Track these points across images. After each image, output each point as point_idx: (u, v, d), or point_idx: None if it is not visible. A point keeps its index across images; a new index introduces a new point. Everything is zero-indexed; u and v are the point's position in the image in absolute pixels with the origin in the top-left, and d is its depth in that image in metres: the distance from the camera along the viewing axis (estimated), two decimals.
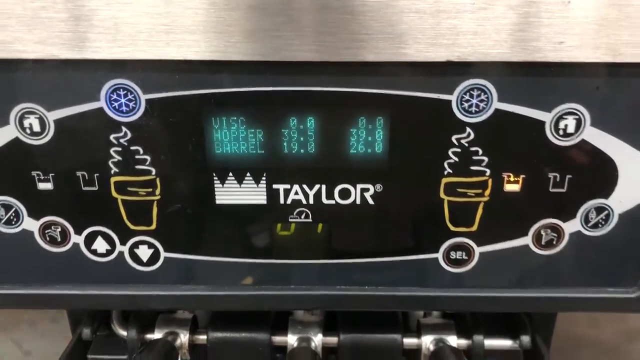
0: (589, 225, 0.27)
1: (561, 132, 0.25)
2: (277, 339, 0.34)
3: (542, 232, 0.27)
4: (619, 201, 0.26)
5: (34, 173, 0.27)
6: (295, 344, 0.34)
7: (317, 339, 0.34)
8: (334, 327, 0.35)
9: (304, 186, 0.27)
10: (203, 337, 0.35)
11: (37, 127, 0.26)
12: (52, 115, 0.25)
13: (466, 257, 0.28)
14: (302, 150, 0.26)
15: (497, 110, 0.25)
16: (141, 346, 0.34)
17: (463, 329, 0.34)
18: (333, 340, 0.34)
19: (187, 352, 0.34)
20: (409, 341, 0.34)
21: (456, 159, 0.26)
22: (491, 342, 0.34)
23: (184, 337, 0.34)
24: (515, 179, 0.26)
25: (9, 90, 0.25)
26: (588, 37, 0.23)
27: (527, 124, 0.25)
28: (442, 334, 0.34)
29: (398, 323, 0.35)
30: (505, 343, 0.35)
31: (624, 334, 0.46)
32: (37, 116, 0.25)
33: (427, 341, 0.34)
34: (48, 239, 0.28)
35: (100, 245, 0.28)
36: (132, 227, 0.28)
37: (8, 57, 0.24)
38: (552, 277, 0.28)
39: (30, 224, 0.28)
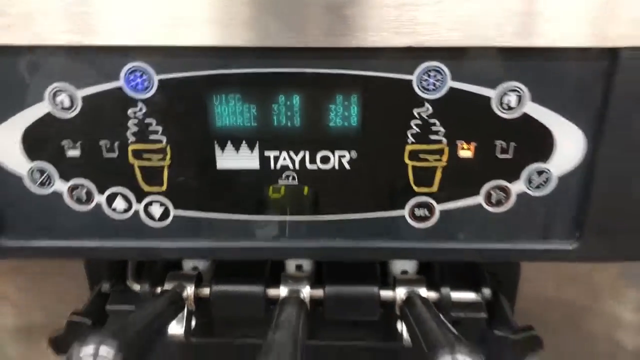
0: (532, 186, 0.32)
1: (505, 107, 0.30)
2: (271, 292, 0.39)
3: (492, 192, 0.32)
4: (557, 165, 0.31)
5: (63, 142, 0.32)
6: (286, 296, 0.39)
7: (306, 291, 0.39)
8: (321, 281, 0.40)
9: (291, 153, 0.32)
10: (206, 290, 0.40)
11: (67, 103, 0.31)
12: (80, 93, 0.30)
13: (428, 214, 0.33)
14: (289, 123, 0.31)
15: (451, 88, 0.30)
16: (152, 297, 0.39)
17: (432, 283, 0.39)
18: (319, 292, 0.39)
19: (193, 303, 0.39)
20: (385, 293, 0.39)
21: (417, 130, 0.31)
22: (457, 295, 0.39)
23: (189, 290, 0.39)
24: (468, 146, 0.31)
25: (44, 72, 0.30)
26: (525, 25, 0.28)
27: (476, 99, 0.30)
28: (414, 287, 0.39)
29: (376, 278, 0.40)
30: (469, 295, 0.40)
31: (590, 294, 0.51)
32: (68, 94, 0.30)
33: (401, 293, 0.39)
34: (75, 198, 0.33)
35: (119, 204, 0.33)
36: (146, 188, 0.33)
37: (44, 44, 0.29)
38: (503, 231, 0.33)
39: (60, 186, 0.33)
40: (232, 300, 0.39)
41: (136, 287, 0.40)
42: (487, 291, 0.39)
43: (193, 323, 0.41)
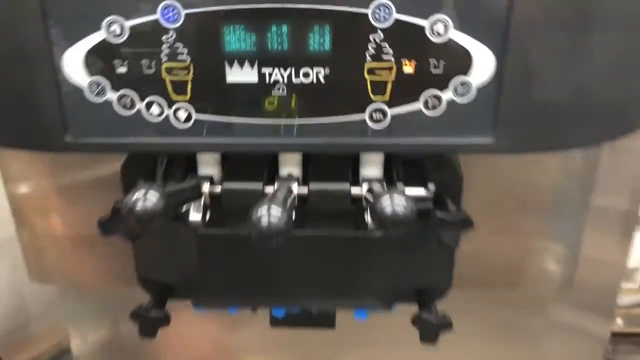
0: (458, 94, 0.43)
1: (435, 34, 0.42)
2: (268, 189, 0.51)
3: (429, 100, 0.44)
4: (475, 78, 0.43)
5: (114, 61, 0.43)
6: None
7: (294, 188, 0.51)
8: (306, 184, 0.51)
9: (281, 70, 0.43)
10: (218, 188, 0.51)
11: (118, 31, 0.42)
12: (128, 24, 0.42)
13: (382, 117, 0.44)
14: (279, 47, 0.43)
15: (396, 20, 0.41)
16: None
17: (390, 182, 0.51)
18: (304, 190, 0.51)
19: (208, 197, 0.51)
20: (354, 190, 0.51)
21: (373, 52, 0.42)
22: (410, 190, 0.51)
23: (206, 187, 0.51)
24: (409, 64, 0.43)
25: (102, 7, 0.41)
26: None
27: (414, 28, 0.41)
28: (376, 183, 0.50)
29: (349, 179, 0.51)
30: (419, 191, 0.51)
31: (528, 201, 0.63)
32: (119, 24, 0.42)
33: (365, 188, 0.50)
34: (122, 105, 0.44)
35: (154, 109, 0.45)
36: (174, 97, 0.44)
37: None
38: (438, 129, 0.45)
39: (111, 96, 0.44)
40: (238, 197, 0.51)
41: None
42: (432, 187, 0.51)
43: (208, 216, 0.52)
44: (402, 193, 0.40)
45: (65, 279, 0.69)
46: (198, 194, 0.50)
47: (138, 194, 0.38)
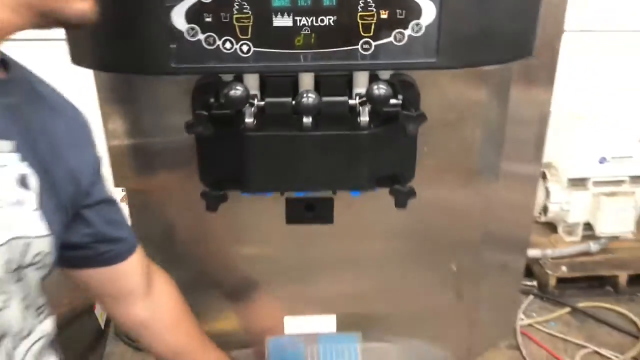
0: (414, 31, 0.71)
1: None
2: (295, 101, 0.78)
3: (396, 34, 0.71)
4: (424, 20, 0.71)
5: (203, 14, 0.70)
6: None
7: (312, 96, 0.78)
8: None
9: (305, 18, 0.71)
10: (262, 102, 0.78)
11: None
12: None
13: (369, 47, 0.72)
14: (304, 3, 0.70)
15: None
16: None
17: None
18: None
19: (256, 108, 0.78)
20: (351, 102, 0.78)
21: (363, 5, 0.70)
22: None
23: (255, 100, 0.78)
24: (385, 13, 0.70)
25: None
26: None
27: None
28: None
29: (347, 94, 0.79)
30: (393, 100, 0.79)
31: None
32: None
33: (357, 100, 0.78)
34: (207, 43, 0.71)
35: (228, 45, 0.71)
36: (240, 37, 0.71)
37: None
38: (403, 55, 0.72)
39: (200, 37, 0.71)
40: (275, 106, 0.78)
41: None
42: (400, 97, 0.79)
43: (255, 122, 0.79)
44: (383, 82, 0.68)
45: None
46: (250, 104, 0.77)
47: (233, 87, 0.65)
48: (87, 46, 0.72)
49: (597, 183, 2.57)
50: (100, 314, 2.36)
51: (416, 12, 0.70)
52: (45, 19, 0.57)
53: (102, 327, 2.35)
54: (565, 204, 2.59)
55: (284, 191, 0.90)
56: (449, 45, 0.71)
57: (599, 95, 2.80)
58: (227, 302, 1.10)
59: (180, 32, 0.70)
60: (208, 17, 0.70)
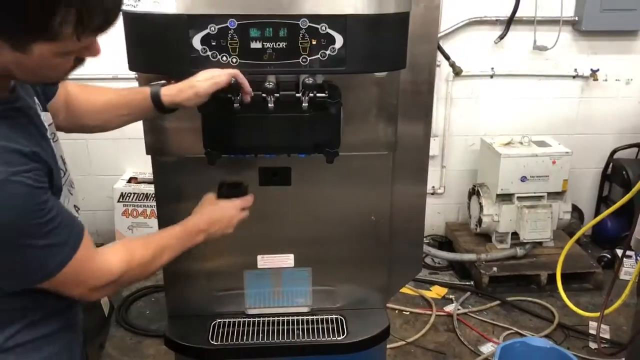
0: (331, 52, 1.24)
1: (320, 31, 1.23)
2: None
3: (321, 53, 1.24)
4: (337, 45, 1.24)
5: (210, 41, 1.22)
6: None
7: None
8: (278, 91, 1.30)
9: (266, 42, 1.23)
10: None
11: (213, 31, 1.21)
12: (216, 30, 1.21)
13: (306, 60, 1.25)
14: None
15: (309, 26, 1.22)
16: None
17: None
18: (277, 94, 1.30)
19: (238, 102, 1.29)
20: (297, 95, 1.30)
21: (303, 40, 1.23)
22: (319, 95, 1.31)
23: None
24: (315, 41, 1.23)
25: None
26: None
27: (313, 29, 1.23)
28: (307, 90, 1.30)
29: (295, 90, 1.31)
30: (322, 94, 1.31)
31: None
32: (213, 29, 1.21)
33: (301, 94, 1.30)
34: (213, 57, 1.23)
35: (224, 59, 1.24)
36: (233, 54, 1.23)
37: None
38: (328, 65, 1.25)
39: (209, 53, 1.23)
40: (252, 97, 1.30)
41: None
42: (327, 92, 1.31)
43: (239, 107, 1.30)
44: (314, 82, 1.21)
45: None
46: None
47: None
48: (142, 57, 1.24)
49: (521, 198, 3.12)
50: (104, 304, 2.79)
51: (332, 41, 1.23)
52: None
53: (106, 315, 2.78)
54: (495, 216, 3.12)
55: (256, 154, 1.40)
56: (351, 60, 1.24)
57: (521, 125, 3.40)
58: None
59: (197, 50, 1.22)
60: (213, 42, 1.22)
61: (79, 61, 0.93)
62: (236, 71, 1.22)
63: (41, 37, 0.83)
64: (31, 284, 0.94)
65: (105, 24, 0.86)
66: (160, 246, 1.15)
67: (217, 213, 1.29)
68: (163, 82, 1.25)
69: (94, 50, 0.91)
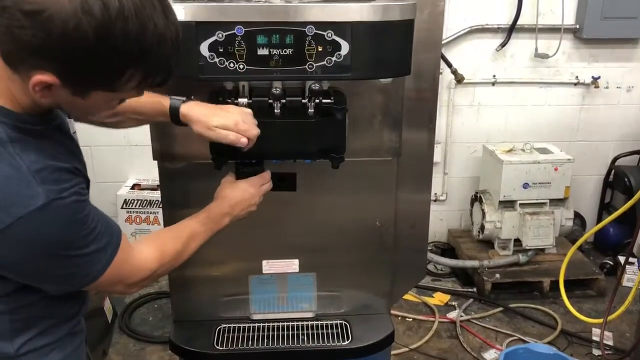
0: (337, 58, 1.26)
1: (326, 38, 1.24)
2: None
3: (327, 60, 1.26)
4: (342, 52, 1.25)
5: (217, 48, 1.24)
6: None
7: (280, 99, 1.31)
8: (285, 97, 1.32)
9: (276, 50, 1.25)
10: (250, 100, 1.31)
11: (220, 39, 1.23)
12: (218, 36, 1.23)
13: (312, 67, 1.26)
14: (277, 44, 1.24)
15: (315, 33, 1.24)
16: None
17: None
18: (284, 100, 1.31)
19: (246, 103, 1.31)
20: (304, 101, 1.32)
21: (309, 47, 1.25)
22: (325, 100, 1.32)
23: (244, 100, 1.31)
24: (321, 48, 1.25)
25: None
26: None
27: (319, 36, 1.24)
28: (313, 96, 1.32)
29: (301, 96, 1.32)
30: (328, 100, 1.32)
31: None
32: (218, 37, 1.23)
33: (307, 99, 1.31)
34: (220, 64, 1.25)
35: (232, 65, 1.25)
36: (240, 60, 1.25)
37: None
38: (334, 72, 1.27)
39: (216, 60, 1.25)
40: (258, 103, 1.31)
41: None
42: (333, 99, 1.32)
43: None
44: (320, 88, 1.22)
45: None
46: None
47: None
48: None
49: (523, 205, 3.13)
50: (107, 311, 2.80)
51: (337, 47, 1.24)
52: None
53: (110, 321, 2.79)
54: (498, 222, 3.13)
55: (262, 159, 1.41)
56: (357, 66, 1.25)
57: (523, 132, 3.41)
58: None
59: (205, 57, 1.24)
60: (221, 49, 1.23)
61: (122, 101, 0.99)
62: (252, 136, 1.23)
63: (104, 89, 0.89)
64: (77, 288, 1.01)
65: (165, 81, 0.94)
66: (188, 236, 1.19)
67: (238, 194, 1.29)
68: (184, 98, 1.26)
69: (141, 95, 0.97)
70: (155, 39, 0.86)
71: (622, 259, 3.07)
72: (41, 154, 0.89)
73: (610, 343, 2.69)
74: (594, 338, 2.69)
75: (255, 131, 1.24)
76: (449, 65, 3.12)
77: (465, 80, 3.19)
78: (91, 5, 0.79)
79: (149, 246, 1.11)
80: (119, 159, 3.24)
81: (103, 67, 0.85)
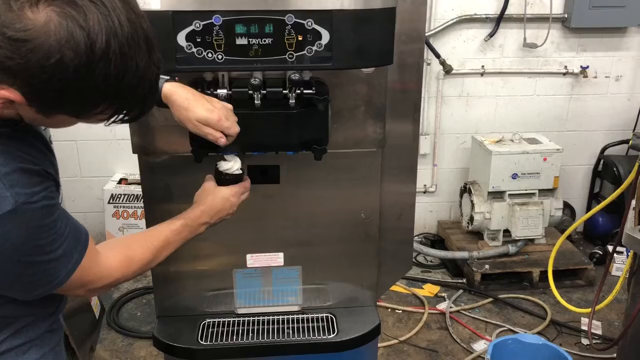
0: (317, 47, 1.23)
1: (306, 26, 1.22)
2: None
3: (308, 49, 1.24)
4: (323, 41, 1.23)
5: (194, 38, 1.21)
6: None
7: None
8: (265, 87, 1.29)
9: (252, 39, 1.22)
10: (230, 91, 1.29)
11: (198, 28, 1.20)
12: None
13: (292, 56, 1.24)
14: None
15: (295, 22, 1.21)
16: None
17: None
18: (264, 91, 1.29)
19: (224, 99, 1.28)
20: (284, 92, 1.29)
21: (289, 36, 1.22)
22: (305, 90, 1.30)
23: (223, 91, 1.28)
24: (301, 37, 1.22)
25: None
26: None
27: (299, 25, 1.22)
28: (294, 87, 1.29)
29: (282, 87, 1.30)
30: (309, 90, 1.30)
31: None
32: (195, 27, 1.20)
33: (288, 89, 1.29)
34: (197, 54, 1.22)
35: (210, 55, 1.22)
36: (218, 50, 1.22)
37: None
38: (314, 62, 1.24)
39: (193, 50, 1.22)
40: (238, 94, 1.29)
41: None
42: (314, 89, 1.30)
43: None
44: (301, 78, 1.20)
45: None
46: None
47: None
48: None
49: (512, 195, 3.12)
50: (95, 307, 2.77)
51: (318, 36, 1.22)
52: None
53: (97, 317, 2.76)
54: (487, 213, 3.12)
55: (243, 152, 1.39)
56: (338, 55, 1.23)
57: (512, 123, 3.41)
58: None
59: (182, 47, 1.21)
60: (198, 39, 1.21)
61: None
62: (234, 134, 1.22)
63: (71, 115, 0.87)
64: (43, 294, 0.96)
65: (138, 118, 0.94)
66: (160, 245, 1.15)
67: (218, 203, 1.27)
68: (167, 77, 1.22)
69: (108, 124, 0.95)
70: (135, 80, 0.84)
71: (611, 248, 3.07)
72: (9, 157, 0.85)
73: (599, 332, 2.70)
74: (583, 327, 2.69)
75: (237, 129, 1.21)
76: (437, 55, 3.10)
77: (453, 71, 3.17)
78: (77, 42, 0.77)
79: (115, 252, 1.07)
80: (105, 154, 3.21)
81: (76, 99, 0.82)
